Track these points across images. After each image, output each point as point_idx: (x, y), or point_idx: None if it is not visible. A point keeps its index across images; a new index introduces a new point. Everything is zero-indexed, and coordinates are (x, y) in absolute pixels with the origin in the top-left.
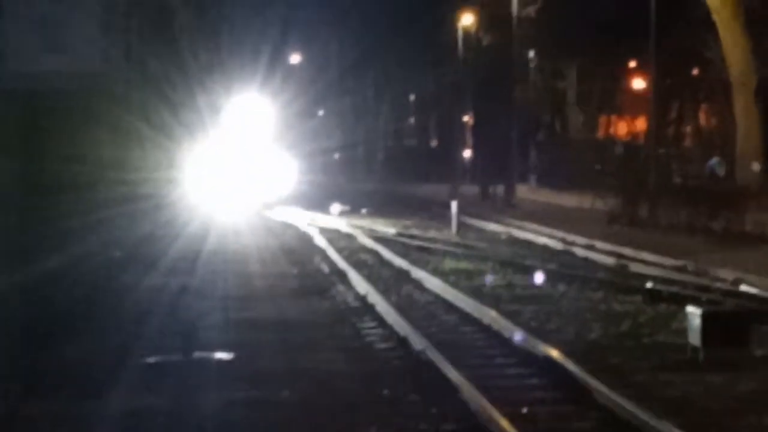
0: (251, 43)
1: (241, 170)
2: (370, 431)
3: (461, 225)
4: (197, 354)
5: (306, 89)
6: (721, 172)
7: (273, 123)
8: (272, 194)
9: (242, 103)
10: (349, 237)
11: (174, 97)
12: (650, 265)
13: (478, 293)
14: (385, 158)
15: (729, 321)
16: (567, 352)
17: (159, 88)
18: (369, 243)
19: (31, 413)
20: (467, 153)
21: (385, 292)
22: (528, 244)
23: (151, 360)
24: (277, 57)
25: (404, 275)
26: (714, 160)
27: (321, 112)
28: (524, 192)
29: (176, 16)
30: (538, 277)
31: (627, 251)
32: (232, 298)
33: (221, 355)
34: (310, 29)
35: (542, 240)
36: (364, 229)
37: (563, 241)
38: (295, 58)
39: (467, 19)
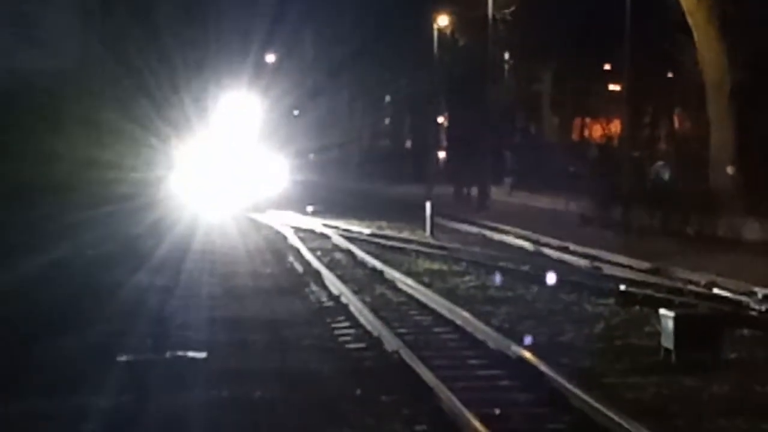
0: (238, 40)
1: (228, 169)
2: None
3: (435, 226)
4: (170, 353)
5: (289, 89)
6: (665, 175)
7: (261, 121)
8: (261, 195)
9: (230, 101)
10: (323, 237)
11: (159, 93)
12: (623, 267)
13: (451, 294)
14: (360, 159)
15: (702, 324)
16: (539, 354)
17: (142, 84)
18: (343, 243)
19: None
20: (442, 154)
21: (358, 293)
22: (502, 245)
23: (124, 358)
24: (262, 55)
25: (378, 275)
26: (659, 164)
27: (296, 112)
28: (499, 194)
29: (160, 9)
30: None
31: (600, 253)
32: (208, 298)
33: (194, 354)
34: (293, 28)
35: (516, 241)
36: (339, 229)
37: (537, 242)
38: (270, 58)
39: (442, 21)
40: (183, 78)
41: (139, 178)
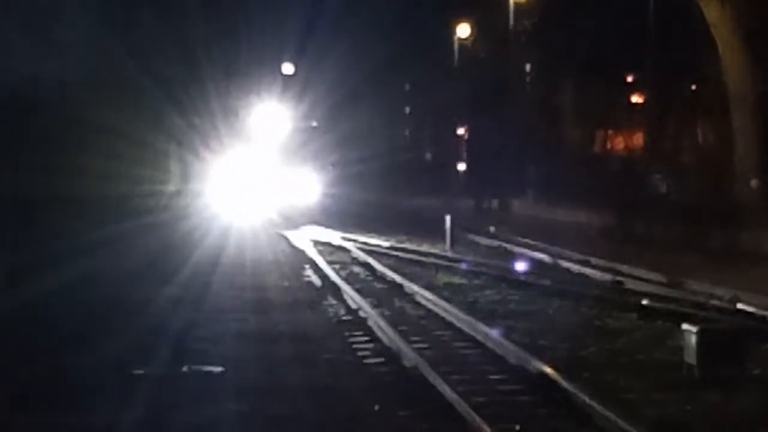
0: (269, 50)
1: (259, 182)
2: None
3: (455, 239)
4: (186, 367)
5: (315, 101)
6: (662, 188)
7: (290, 133)
8: (294, 207)
9: (260, 111)
10: (343, 250)
11: (188, 104)
12: (646, 281)
13: (471, 308)
14: (380, 171)
15: (725, 339)
16: (560, 369)
17: (171, 95)
18: (362, 256)
19: (17, 424)
20: (462, 166)
21: (377, 306)
22: (522, 258)
23: (139, 372)
24: (290, 66)
25: (397, 289)
26: (656, 176)
27: (314, 124)
28: (519, 206)
29: (188, 18)
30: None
31: (622, 267)
32: (229, 310)
33: (211, 368)
34: (321, 40)
35: (536, 255)
36: (358, 242)
37: (558, 255)
38: (289, 68)
39: (463, 31)
40: (213, 89)
41: (168, 191)
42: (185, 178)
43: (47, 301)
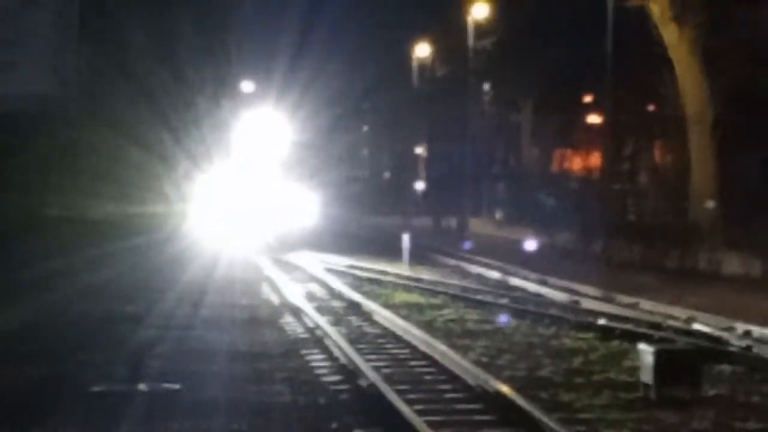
0: (262, 61)
1: (251, 203)
2: None
3: (413, 257)
4: (143, 384)
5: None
6: (549, 203)
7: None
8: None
9: (252, 127)
10: (299, 269)
11: (175, 119)
12: (603, 301)
13: (429, 327)
14: (338, 189)
15: (681, 359)
16: (518, 388)
17: (157, 110)
18: (320, 274)
19: None
20: (420, 185)
21: (335, 324)
22: (480, 278)
23: (97, 389)
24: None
25: (355, 307)
26: (543, 194)
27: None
28: (477, 225)
29: (176, 29)
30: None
31: (580, 287)
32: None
33: (167, 386)
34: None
35: (494, 274)
36: (316, 260)
37: (515, 275)
38: (248, 86)
39: (422, 51)
40: (202, 104)
41: (153, 212)
42: (176, 198)
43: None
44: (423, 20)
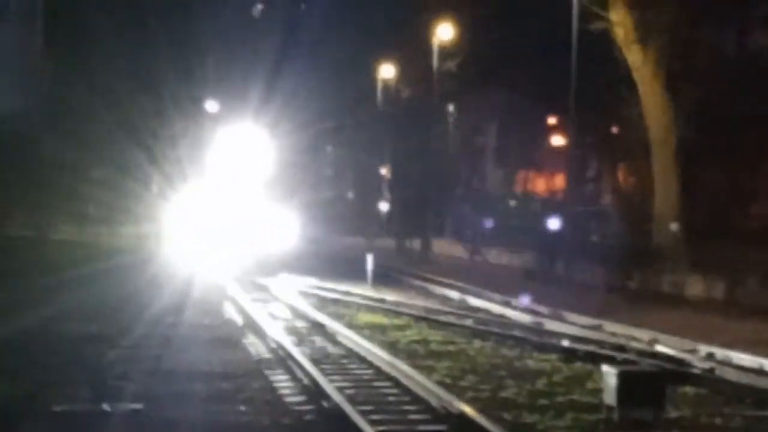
0: (237, 78)
1: (225, 223)
2: None
3: (377, 278)
4: (106, 404)
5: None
6: (489, 225)
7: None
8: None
9: (228, 146)
10: (264, 288)
11: (145, 134)
12: (566, 323)
13: (392, 348)
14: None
15: (644, 381)
16: (481, 409)
17: (131, 129)
18: (283, 295)
19: None
20: (384, 206)
21: (299, 345)
22: (444, 299)
23: (59, 409)
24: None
25: (319, 328)
26: (487, 221)
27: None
28: (441, 246)
29: (148, 36)
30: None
31: (543, 309)
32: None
33: (129, 406)
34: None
35: (458, 295)
36: (281, 280)
37: (479, 296)
38: (212, 106)
39: (387, 72)
40: (177, 122)
41: (124, 233)
42: (149, 218)
43: None
44: (389, 41)
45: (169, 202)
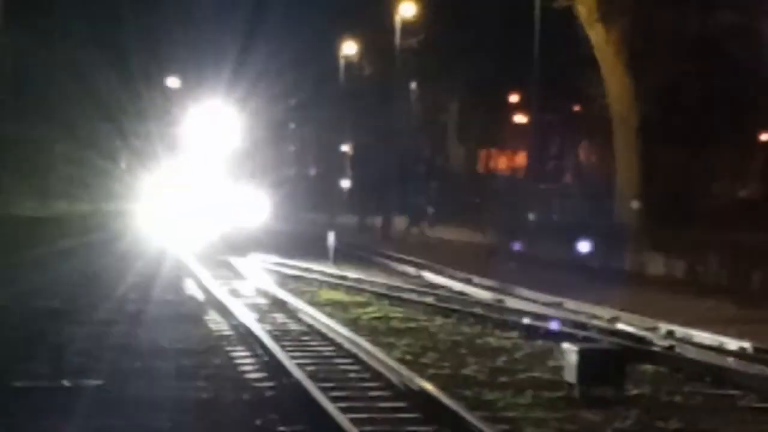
0: (210, 54)
1: (194, 199)
2: None
3: (339, 256)
4: (66, 381)
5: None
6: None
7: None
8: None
9: (199, 122)
10: (227, 265)
11: (120, 114)
12: (528, 300)
13: (353, 325)
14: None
15: (605, 359)
16: (442, 387)
17: (101, 105)
18: (246, 272)
19: None
20: (346, 183)
21: (260, 321)
22: (405, 276)
23: (18, 384)
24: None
25: (280, 305)
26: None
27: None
28: (403, 224)
29: (116, 9)
30: None
31: (504, 286)
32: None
33: (90, 382)
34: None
35: (419, 272)
36: (242, 258)
37: (440, 273)
38: (174, 82)
39: (349, 49)
40: (146, 98)
41: (87, 210)
42: (120, 196)
43: None
44: (352, 18)
45: (138, 178)
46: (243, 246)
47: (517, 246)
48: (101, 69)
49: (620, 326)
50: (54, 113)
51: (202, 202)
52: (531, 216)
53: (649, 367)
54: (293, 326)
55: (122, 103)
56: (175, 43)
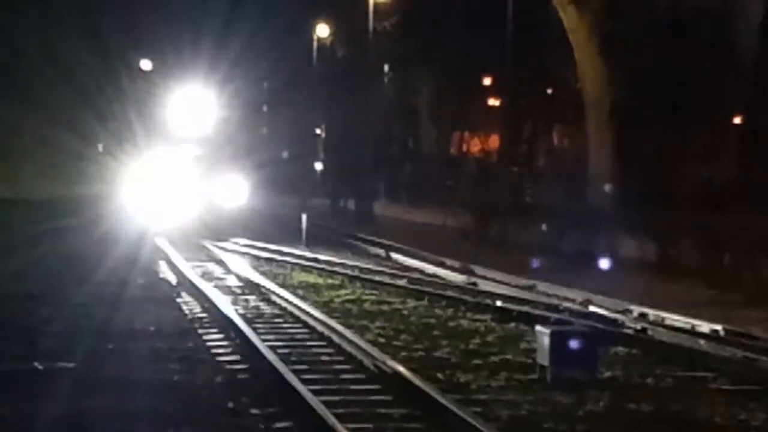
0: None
1: (174, 183)
2: None
3: (311, 238)
4: (38, 363)
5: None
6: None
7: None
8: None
9: (180, 104)
10: (201, 248)
11: (103, 103)
12: (500, 283)
13: (326, 307)
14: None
15: (577, 341)
16: (415, 369)
17: (77, 85)
18: (219, 255)
19: None
20: (319, 165)
21: (233, 304)
22: (377, 258)
23: None
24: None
25: (253, 287)
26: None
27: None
28: (376, 207)
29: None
30: None
31: (477, 269)
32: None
33: (62, 364)
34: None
35: (392, 255)
36: (217, 241)
37: (414, 256)
38: (146, 64)
39: (322, 31)
40: (125, 80)
41: (84, 194)
42: (98, 179)
43: None
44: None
45: (115, 161)
46: (218, 229)
47: (490, 229)
48: (78, 51)
49: (592, 309)
50: (31, 96)
51: (179, 185)
52: (503, 199)
53: (621, 350)
54: (266, 309)
55: (100, 84)
56: (151, 24)
